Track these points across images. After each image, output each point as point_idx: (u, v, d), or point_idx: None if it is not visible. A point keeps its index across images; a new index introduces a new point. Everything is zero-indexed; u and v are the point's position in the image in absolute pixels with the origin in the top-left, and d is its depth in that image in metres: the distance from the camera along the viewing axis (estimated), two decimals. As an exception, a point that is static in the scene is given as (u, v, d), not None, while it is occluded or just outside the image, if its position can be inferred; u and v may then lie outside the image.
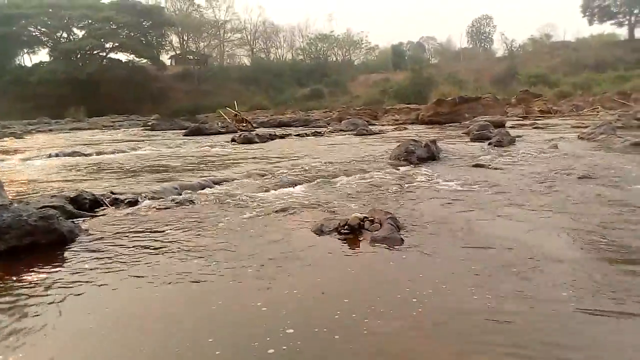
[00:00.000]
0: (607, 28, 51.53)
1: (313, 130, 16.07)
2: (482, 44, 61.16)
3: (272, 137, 13.33)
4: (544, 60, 43.38)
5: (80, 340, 2.08)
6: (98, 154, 10.18)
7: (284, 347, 1.92)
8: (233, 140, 12.58)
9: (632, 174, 5.85)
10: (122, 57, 50.51)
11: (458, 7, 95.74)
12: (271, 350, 1.90)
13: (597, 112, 20.22)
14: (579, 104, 24.22)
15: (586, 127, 11.71)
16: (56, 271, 2.86)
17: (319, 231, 3.57)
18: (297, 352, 1.90)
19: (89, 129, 23.48)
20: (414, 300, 2.37)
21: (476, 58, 53.43)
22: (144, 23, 49.51)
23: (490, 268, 2.79)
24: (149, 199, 4.82)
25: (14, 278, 2.75)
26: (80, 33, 48.74)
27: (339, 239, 3.42)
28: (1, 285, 2.66)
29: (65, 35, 49.07)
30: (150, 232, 3.69)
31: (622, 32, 49.68)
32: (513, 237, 3.37)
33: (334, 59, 60.68)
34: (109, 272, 2.82)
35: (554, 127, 15.33)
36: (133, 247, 3.31)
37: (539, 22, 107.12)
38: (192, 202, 4.73)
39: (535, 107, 23.85)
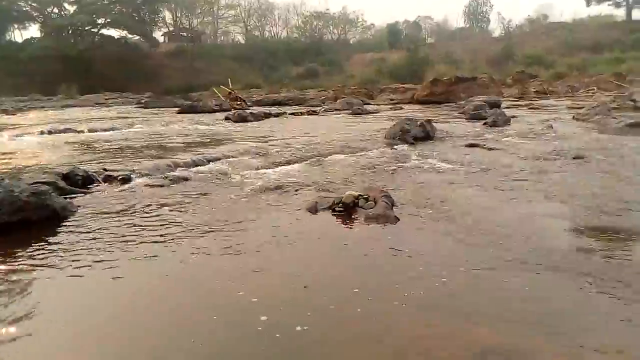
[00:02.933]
0: (604, 9, 51.29)
1: (308, 109, 15.93)
2: (479, 24, 60.77)
3: (266, 116, 13.21)
4: (541, 41, 43.15)
5: (71, 318, 2.07)
6: (91, 131, 10.07)
7: (271, 319, 1.93)
8: (227, 118, 12.47)
9: (627, 154, 5.86)
10: (115, 33, 49.79)
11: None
12: (263, 317, 1.91)
13: (593, 93, 20.19)
14: (574, 85, 24.16)
15: (581, 108, 11.69)
16: (48, 248, 2.84)
17: (313, 209, 3.56)
18: (285, 325, 1.90)
19: (81, 106, 23.19)
20: (405, 278, 2.37)
21: (472, 38, 53.12)
22: (136, -2, 48.70)
23: (482, 245, 2.79)
24: (142, 176, 4.78)
25: (5, 255, 2.72)
26: (71, 9, 47.91)
27: (333, 216, 3.42)
28: (-7, 260, 2.63)
29: (56, 10, 48.24)
30: (143, 209, 3.66)
31: (620, 13, 49.48)
32: (504, 215, 3.38)
33: (330, 37, 60.14)
34: (102, 249, 2.81)
35: (550, 107, 15.30)
36: (126, 224, 3.29)
37: (536, 3, 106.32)
38: (185, 179, 4.70)
39: (531, 88, 23.77)
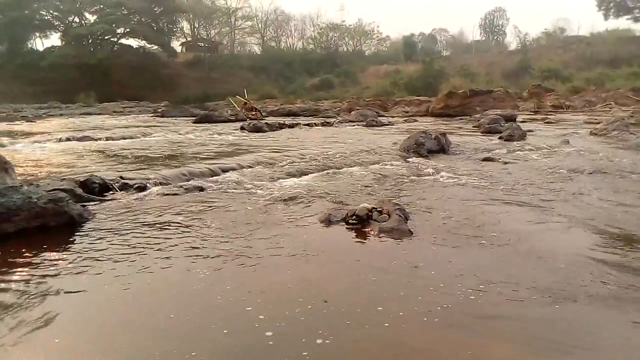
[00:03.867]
0: (622, 23, 50.79)
1: (322, 121, 15.98)
2: (495, 37, 60.63)
3: (281, 126, 13.28)
4: (557, 55, 42.93)
5: (87, 324, 2.09)
6: (108, 139, 10.20)
7: (280, 330, 1.93)
8: (242, 128, 12.57)
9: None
10: (133, 43, 50.61)
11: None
12: (269, 333, 1.91)
13: (610, 108, 19.98)
14: (591, 100, 23.96)
15: (599, 123, 11.57)
16: (65, 254, 2.87)
17: (327, 221, 3.56)
18: (292, 335, 1.90)
19: (99, 114, 23.54)
20: (420, 293, 2.36)
21: (488, 51, 53.01)
22: (155, 9, 49.48)
23: (497, 261, 2.77)
24: (157, 185, 4.83)
25: (23, 260, 2.76)
26: (92, 18, 48.90)
27: (346, 229, 3.41)
28: (10, 266, 2.67)
29: (77, 19, 49.25)
30: (157, 218, 3.69)
31: (638, 28, 48.96)
32: (519, 231, 3.34)
33: (345, 49, 60.42)
34: (115, 257, 2.83)
35: (566, 122, 15.18)
36: (140, 233, 3.32)
37: (553, 16, 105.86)
38: (200, 189, 4.74)
39: (547, 102, 23.64)
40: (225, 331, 1.99)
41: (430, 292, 2.36)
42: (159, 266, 2.68)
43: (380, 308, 2.18)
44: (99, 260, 2.76)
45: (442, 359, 1.81)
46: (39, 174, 5.60)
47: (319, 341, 1.88)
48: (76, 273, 2.58)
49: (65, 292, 2.35)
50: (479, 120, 13.10)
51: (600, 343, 1.92)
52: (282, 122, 14.37)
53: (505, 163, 6.52)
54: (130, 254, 2.88)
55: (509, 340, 1.92)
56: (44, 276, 2.53)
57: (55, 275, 2.55)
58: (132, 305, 2.27)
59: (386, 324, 2.03)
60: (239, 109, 19.42)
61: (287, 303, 2.24)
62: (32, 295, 2.32)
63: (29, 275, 2.55)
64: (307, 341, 1.89)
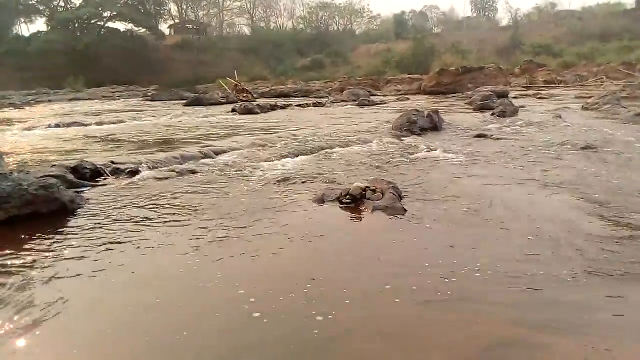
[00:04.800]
0: (613, -3, 50.52)
1: (314, 101, 15.90)
2: (486, 13, 60.21)
3: (273, 108, 13.20)
4: (549, 30, 42.75)
5: (79, 312, 2.08)
6: (98, 124, 10.11)
7: (269, 312, 1.93)
8: (234, 110, 12.49)
9: (636, 144, 5.80)
10: (121, 26, 49.70)
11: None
12: (257, 315, 1.91)
13: (602, 82, 19.99)
14: (583, 75, 23.97)
15: (590, 97, 11.58)
16: (57, 241, 2.85)
17: (321, 201, 3.55)
18: (280, 314, 1.91)
19: (88, 99, 23.28)
20: (413, 270, 2.37)
21: (480, 27, 52.68)
22: (142, -9, 48.62)
23: (490, 239, 2.78)
24: (149, 169, 4.80)
25: (15, 248, 2.74)
26: (77, 2, 47.97)
27: (340, 208, 3.41)
28: (1, 254, 2.65)
29: (62, 4, 48.30)
30: (151, 202, 3.67)
31: (629, 1, 48.71)
32: (513, 207, 3.35)
33: (336, 28, 59.82)
34: (110, 242, 2.82)
35: (558, 97, 15.18)
36: (134, 217, 3.30)
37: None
38: (193, 172, 4.71)
39: (539, 78, 23.62)
40: (217, 314, 1.99)
41: (425, 268, 2.37)
42: (153, 251, 2.67)
43: (381, 286, 2.19)
44: (92, 246, 2.75)
45: (440, 335, 1.82)
46: (29, 161, 5.54)
47: (319, 318, 1.89)
48: (69, 260, 2.56)
49: (58, 279, 2.34)
50: (471, 98, 13.07)
51: (594, 321, 1.94)
52: (273, 103, 14.29)
53: (498, 139, 6.52)
54: (124, 239, 2.86)
55: (507, 320, 1.94)
56: (35, 263, 2.51)
57: (48, 262, 2.53)
58: (126, 290, 2.27)
59: (395, 301, 2.04)
60: (230, 91, 19.24)
61: (278, 283, 2.24)
62: (24, 283, 2.30)
63: (21, 263, 2.53)
64: (301, 319, 1.90)
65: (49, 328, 1.91)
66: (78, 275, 2.38)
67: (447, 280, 2.22)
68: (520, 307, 1.98)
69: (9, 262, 2.53)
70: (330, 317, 1.91)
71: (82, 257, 2.58)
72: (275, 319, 1.91)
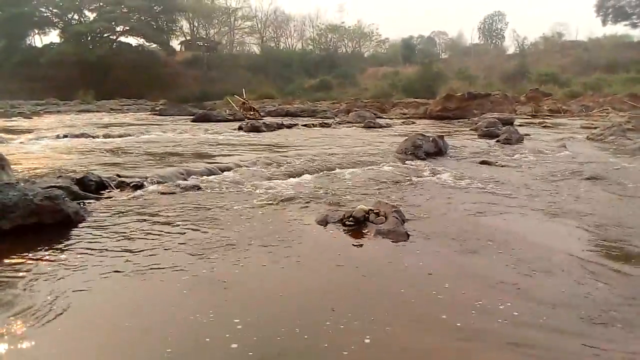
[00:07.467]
0: (620, 29, 50.90)
1: (320, 121, 15.98)
2: (493, 41, 60.69)
3: (279, 127, 13.28)
4: (555, 59, 43.02)
5: (82, 322, 2.08)
6: (106, 136, 10.19)
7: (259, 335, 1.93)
8: (240, 128, 12.57)
9: (641, 176, 5.80)
10: (132, 41, 50.48)
11: (470, 2, 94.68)
12: (239, 327, 1.91)
13: (607, 113, 20.04)
14: (588, 105, 24.02)
15: (596, 127, 11.61)
16: (60, 252, 2.86)
17: (324, 222, 3.55)
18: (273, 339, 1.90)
19: (97, 111, 23.50)
20: (414, 297, 2.36)
21: (487, 54, 53.02)
22: (155, 7, 49.35)
23: (493, 266, 2.78)
24: (154, 184, 4.82)
25: (19, 257, 2.75)
26: (91, 15, 48.80)
27: (343, 230, 3.41)
28: (5, 264, 2.66)
29: (76, 17, 49.09)
30: (153, 217, 3.68)
31: (636, 34, 49.07)
32: (516, 234, 3.35)
33: (344, 50, 60.33)
34: (113, 255, 2.82)
35: (563, 126, 15.22)
36: (137, 230, 3.31)
37: (551, 21, 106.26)
38: (197, 188, 4.73)
39: (544, 106, 23.71)
40: (210, 329, 1.99)
41: (429, 295, 2.36)
42: (154, 265, 2.68)
43: (374, 311, 2.19)
44: (95, 258, 2.75)
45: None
46: (35, 171, 5.58)
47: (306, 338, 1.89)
48: (71, 271, 2.57)
49: (60, 291, 2.34)
50: (476, 124, 13.13)
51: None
52: (280, 122, 14.37)
53: (503, 166, 6.53)
54: (126, 252, 2.87)
55: (503, 347, 1.93)
56: (39, 274, 2.52)
57: (51, 273, 2.53)
58: (127, 303, 2.27)
59: (387, 328, 2.04)
60: (237, 108, 19.41)
61: (276, 305, 2.24)
62: (27, 293, 2.31)
63: (24, 273, 2.54)
64: (292, 339, 1.89)
65: (49, 338, 1.91)
66: (79, 287, 2.38)
67: (446, 308, 2.21)
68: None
69: (11, 271, 2.54)
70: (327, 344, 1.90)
71: (83, 270, 2.59)
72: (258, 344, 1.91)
